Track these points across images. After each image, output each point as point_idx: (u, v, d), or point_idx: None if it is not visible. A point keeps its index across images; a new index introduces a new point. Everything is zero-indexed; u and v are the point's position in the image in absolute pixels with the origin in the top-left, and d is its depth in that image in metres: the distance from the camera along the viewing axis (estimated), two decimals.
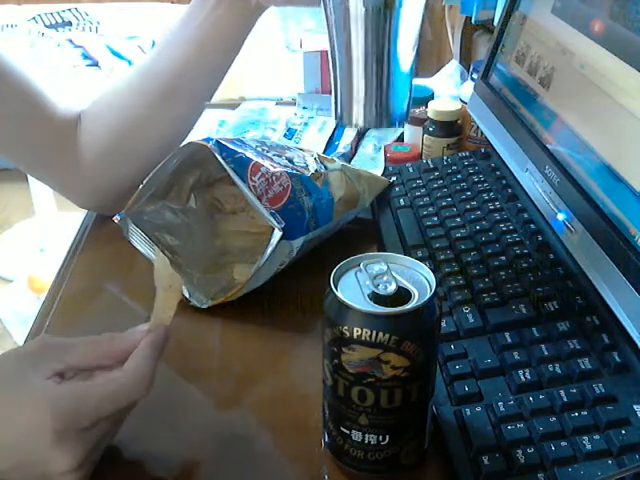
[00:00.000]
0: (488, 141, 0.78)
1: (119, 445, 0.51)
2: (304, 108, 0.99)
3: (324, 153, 0.87)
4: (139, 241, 0.65)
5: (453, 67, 1.17)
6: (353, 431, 0.46)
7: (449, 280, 0.61)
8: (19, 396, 0.44)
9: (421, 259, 0.64)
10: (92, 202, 0.77)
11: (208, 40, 0.68)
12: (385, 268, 0.45)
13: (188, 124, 0.75)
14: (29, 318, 0.64)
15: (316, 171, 0.68)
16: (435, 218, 0.71)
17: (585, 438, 0.45)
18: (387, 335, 0.41)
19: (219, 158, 0.61)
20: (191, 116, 0.75)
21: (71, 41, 1.60)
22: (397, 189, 0.79)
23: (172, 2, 2.18)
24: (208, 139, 0.62)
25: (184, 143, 0.65)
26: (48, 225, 2.18)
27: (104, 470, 0.49)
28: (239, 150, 0.63)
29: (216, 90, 0.74)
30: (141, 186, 0.64)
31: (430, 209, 0.73)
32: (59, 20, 1.84)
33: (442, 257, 0.65)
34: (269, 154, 0.67)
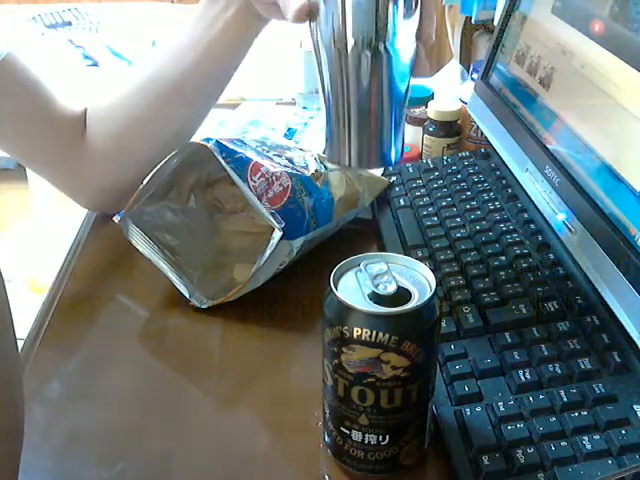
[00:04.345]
0: (488, 141, 0.78)
1: (118, 443, 0.51)
2: (304, 108, 0.99)
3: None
4: (139, 241, 0.65)
5: (453, 67, 1.17)
6: (353, 431, 0.46)
7: (449, 280, 0.61)
8: None
9: (421, 259, 0.64)
10: (96, 203, 0.77)
11: (215, 44, 0.68)
12: (385, 268, 0.45)
13: (192, 127, 0.75)
14: (29, 318, 0.64)
15: (316, 171, 0.68)
16: (435, 218, 0.71)
17: (585, 438, 0.45)
18: (387, 335, 0.41)
19: (219, 158, 0.61)
20: (195, 119, 0.74)
21: (71, 41, 1.60)
22: (397, 189, 0.79)
23: (172, 2, 2.18)
24: (208, 139, 0.62)
25: None
26: (48, 225, 2.18)
27: (102, 469, 0.49)
28: (239, 150, 0.63)
29: (220, 95, 0.74)
30: (141, 186, 0.64)
31: (430, 209, 0.73)
32: (59, 20, 1.84)
33: (442, 257, 0.65)
34: (269, 154, 0.67)
